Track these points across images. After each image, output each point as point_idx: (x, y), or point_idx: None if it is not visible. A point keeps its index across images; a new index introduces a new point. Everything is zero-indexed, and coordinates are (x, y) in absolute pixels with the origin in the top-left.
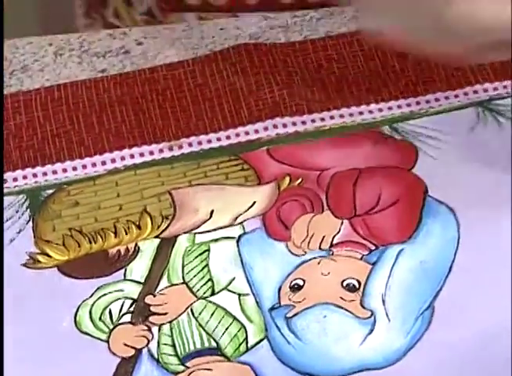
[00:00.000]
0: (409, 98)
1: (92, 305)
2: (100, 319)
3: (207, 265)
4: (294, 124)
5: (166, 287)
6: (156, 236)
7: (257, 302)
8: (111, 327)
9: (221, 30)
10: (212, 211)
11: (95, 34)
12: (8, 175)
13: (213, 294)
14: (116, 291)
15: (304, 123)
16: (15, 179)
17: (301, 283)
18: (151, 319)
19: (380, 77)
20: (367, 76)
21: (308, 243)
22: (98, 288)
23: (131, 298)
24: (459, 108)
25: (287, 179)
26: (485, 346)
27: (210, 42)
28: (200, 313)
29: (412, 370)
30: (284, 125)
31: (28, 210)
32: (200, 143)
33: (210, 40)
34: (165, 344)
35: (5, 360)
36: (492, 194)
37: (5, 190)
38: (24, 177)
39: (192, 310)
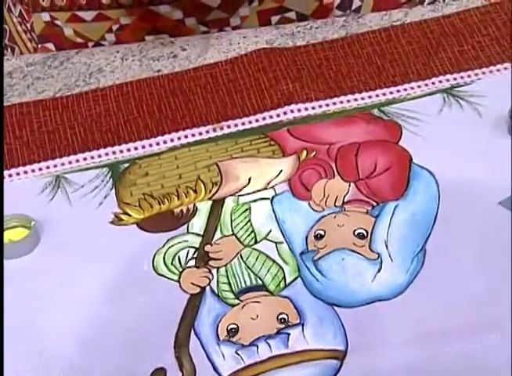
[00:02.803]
0: (391, 87)
1: (165, 253)
2: (172, 263)
3: (249, 220)
4: (306, 109)
5: (220, 238)
6: (209, 198)
7: (290, 249)
8: (180, 270)
9: (244, 38)
10: (250, 178)
11: (151, 43)
12: (93, 153)
13: (256, 242)
14: (182, 241)
15: (313, 108)
16: (99, 156)
17: (322, 233)
18: (210, 263)
19: (366, 71)
20: (357, 71)
21: (326, 201)
22: (168, 240)
23: (194, 247)
24: (429, 94)
25: (305, 152)
26: (468, 278)
27: (236, 47)
28: (247, 258)
29: (412, 300)
30: (298, 110)
31: (111, 179)
32: (236, 125)
33: (237, 46)
34: (223, 282)
35: (97, 299)
36: (461, 159)
37: (92, 165)
38: (106, 154)
39: (241, 256)
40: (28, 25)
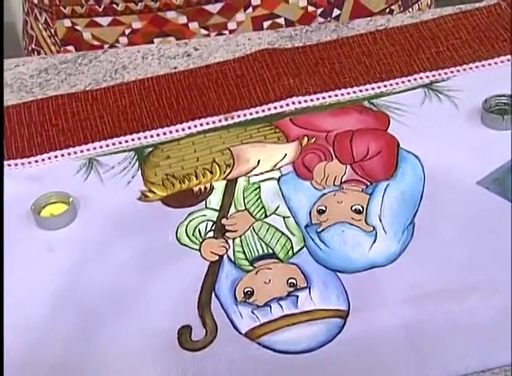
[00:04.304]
0: (378, 82)
1: (187, 225)
2: (193, 235)
3: (259, 197)
4: (306, 101)
5: (234, 213)
6: (224, 178)
7: (296, 222)
8: (201, 240)
9: (249, 40)
10: (259, 161)
11: (167, 44)
12: (121, 139)
13: (266, 216)
14: (201, 215)
15: (312, 100)
16: (126, 141)
17: (323, 208)
18: (227, 234)
19: (356, 69)
20: (348, 68)
21: (326, 181)
22: (189, 214)
23: (212, 221)
24: (412, 89)
25: (306, 138)
26: (452, 247)
27: (242, 48)
28: (259, 230)
29: (404, 266)
30: (299, 102)
31: (137, 162)
32: (244, 115)
33: (243, 46)
34: (238, 251)
35: (128, 267)
36: (442, 145)
37: (120, 149)
38: (132, 140)
39: (253, 228)
40: (52, 30)
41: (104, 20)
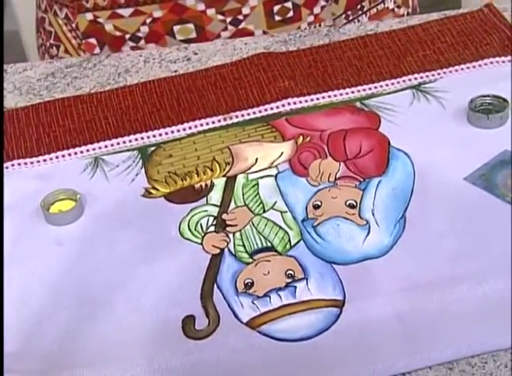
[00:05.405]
0: (369, 84)
1: (189, 220)
2: (195, 229)
3: (258, 193)
4: (300, 102)
5: (234, 208)
6: (223, 176)
7: (293, 217)
8: (203, 234)
9: (245, 45)
10: (257, 159)
11: (168, 49)
12: (125, 139)
13: (264, 211)
14: (203, 211)
15: (306, 101)
16: (130, 141)
17: (319, 203)
18: (227, 229)
19: (348, 71)
20: (340, 71)
21: (321, 177)
22: (191, 210)
23: (213, 216)
24: (401, 90)
25: (301, 137)
26: (441, 240)
27: (239, 52)
28: (258, 224)
29: (397, 258)
30: (294, 103)
31: (141, 160)
32: (242, 115)
33: (239, 51)
34: (238, 244)
35: (133, 260)
36: (430, 143)
37: (124, 148)
38: (135, 139)
39: (252, 223)
40: (73, 25)
41: (126, 11)
